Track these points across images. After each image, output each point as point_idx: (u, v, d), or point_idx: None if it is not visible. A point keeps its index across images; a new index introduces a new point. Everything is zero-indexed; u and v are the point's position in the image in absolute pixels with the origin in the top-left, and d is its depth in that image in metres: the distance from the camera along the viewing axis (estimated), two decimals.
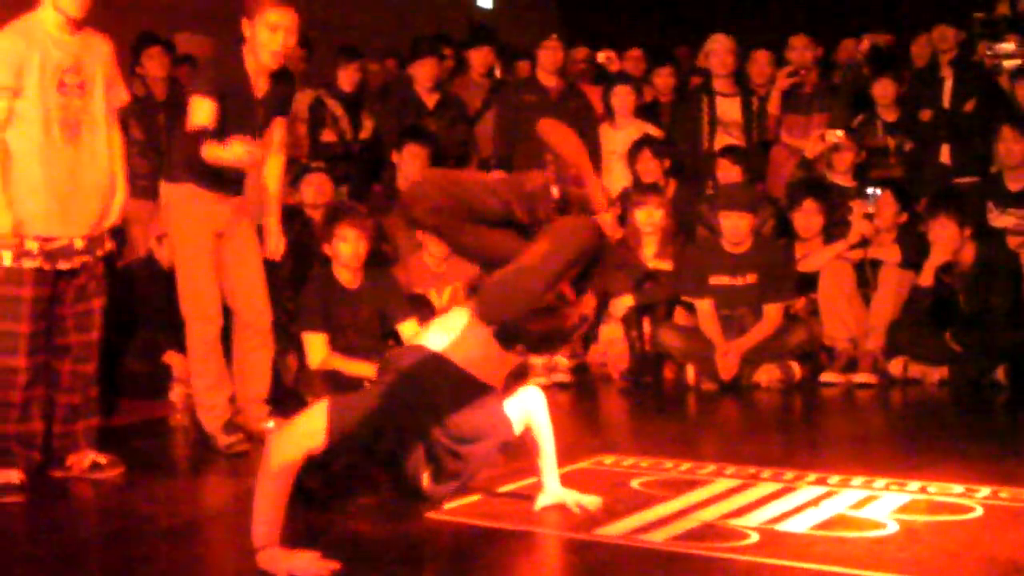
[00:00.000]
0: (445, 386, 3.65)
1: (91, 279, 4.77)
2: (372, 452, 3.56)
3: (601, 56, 9.18)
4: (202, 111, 4.94)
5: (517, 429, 3.94)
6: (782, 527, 3.83)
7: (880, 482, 4.38)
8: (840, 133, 7.60)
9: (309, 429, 3.49)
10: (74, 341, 4.76)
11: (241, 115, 5.07)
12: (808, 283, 7.11)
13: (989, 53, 8.92)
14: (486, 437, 3.79)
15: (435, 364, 3.67)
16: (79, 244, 4.66)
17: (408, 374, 3.62)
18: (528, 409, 4.02)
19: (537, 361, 6.78)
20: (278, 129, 5.45)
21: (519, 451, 4.18)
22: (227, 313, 5.41)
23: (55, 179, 4.56)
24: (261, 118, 5.25)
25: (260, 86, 5.18)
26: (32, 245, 4.52)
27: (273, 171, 5.51)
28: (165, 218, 5.48)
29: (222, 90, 5.01)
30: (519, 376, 4.00)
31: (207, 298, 5.27)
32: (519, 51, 9.39)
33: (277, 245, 5.61)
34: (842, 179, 7.60)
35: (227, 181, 5.19)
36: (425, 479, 3.71)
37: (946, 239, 6.71)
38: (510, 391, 3.88)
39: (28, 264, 4.52)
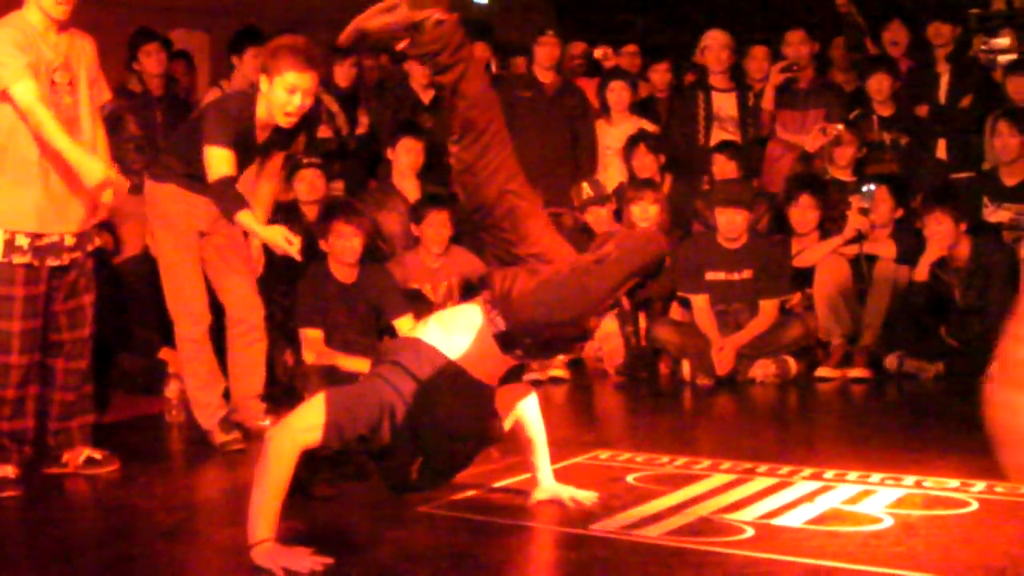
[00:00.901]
0: (442, 382, 3.64)
1: (81, 276, 4.76)
2: (364, 443, 3.56)
3: (598, 52, 9.16)
4: (224, 162, 4.85)
5: (506, 425, 3.94)
6: (777, 522, 3.84)
7: (876, 477, 4.39)
8: (840, 126, 7.58)
9: (306, 424, 3.48)
10: (67, 338, 4.76)
11: (238, 159, 5.00)
12: (804, 278, 7.10)
13: (984, 48, 8.91)
14: (477, 435, 3.79)
15: (433, 359, 3.66)
16: (69, 241, 4.65)
17: (406, 368, 3.61)
18: (518, 406, 4.01)
19: None
20: (275, 160, 5.43)
21: (513, 447, 4.18)
22: (218, 310, 5.41)
23: (49, 175, 4.55)
24: (255, 160, 5.25)
25: (263, 135, 5.13)
26: (23, 241, 4.51)
27: (263, 198, 5.47)
28: (149, 215, 5.46)
29: (237, 135, 4.93)
30: (515, 373, 3.98)
31: (192, 297, 5.26)
32: (515, 46, 9.38)
33: (257, 267, 5.65)
34: (842, 174, 7.57)
35: (206, 182, 5.16)
36: (414, 474, 3.70)
37: (941, 234, 6.71)
38: (501, 388, 3.87)
39: (18, 260, 4.51)
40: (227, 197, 4.84)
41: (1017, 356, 1.33)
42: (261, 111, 5.03)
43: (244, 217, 4.82)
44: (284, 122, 5.01)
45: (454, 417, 3.63)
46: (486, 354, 3.70)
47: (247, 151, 5.06)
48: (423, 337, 3.72)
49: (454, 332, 3.71)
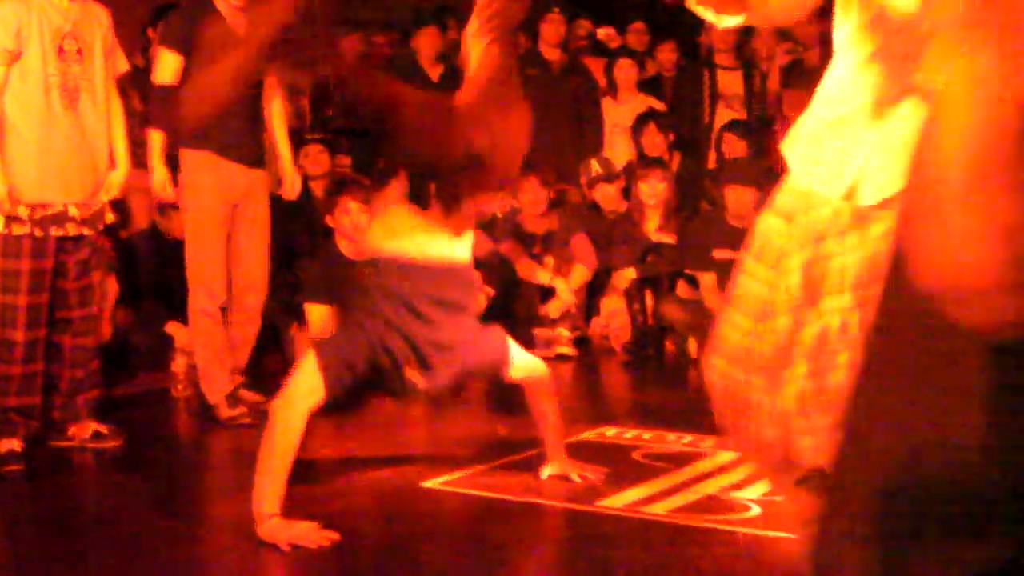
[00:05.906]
0: (415, 283, 3.61)
1: (93, 254, 4.75)
2: (368, 380, 3.55)
3: (601, 32, 9.12)
4: (168, 68, 4.94)
5: (514, 373, 3.92)
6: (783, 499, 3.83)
7: None
8: None
9: (306, 388, 3.47)
10: (76, 315, 4.73)
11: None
12: None
13: None
14: (474, 339, 3.75)
15: (397, 267, 3.63)
16: (73, 211, 4.61)
17: (381, 290, 3.60)
18: (532, 369, 3.99)
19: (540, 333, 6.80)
20: (268, 80, 5.33)
21: (523, 421, 4.18)
22: None
23: (52, 144, 4.53)
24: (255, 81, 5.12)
25: (236, 18, 4.86)
26: (23, 211, 4.48)
27: (276, 117, 5.47)
28: (180, 184, 5.34)
29: (191, 40, 4.75)
30: (524, 340, 3.97)
31: (213, 272, 5.22)
32: (521, 23, 9.32)
33: (294, 184, 5.70)
34: None
35: (245, 149, 5.13)
36: (415, 376, 3.63)
37: None
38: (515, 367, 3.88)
39: (18, 231, 4.48)
40: (161, 107, 4.94)
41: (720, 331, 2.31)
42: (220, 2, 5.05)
43: (154, 137, 5.02)
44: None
45: (437, 307, 3.61)
46: (430, 230, 3.67)
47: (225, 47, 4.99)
48: (381, 251, 3.70)
49: (395, 230, 3.69)
